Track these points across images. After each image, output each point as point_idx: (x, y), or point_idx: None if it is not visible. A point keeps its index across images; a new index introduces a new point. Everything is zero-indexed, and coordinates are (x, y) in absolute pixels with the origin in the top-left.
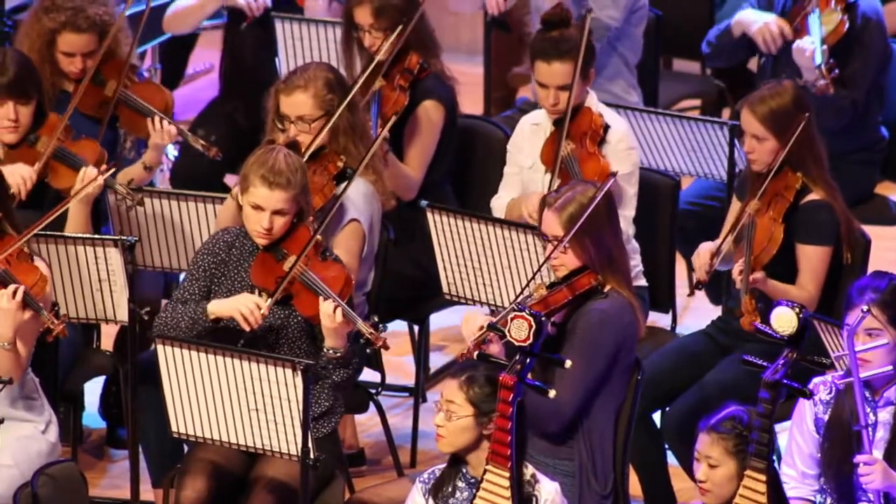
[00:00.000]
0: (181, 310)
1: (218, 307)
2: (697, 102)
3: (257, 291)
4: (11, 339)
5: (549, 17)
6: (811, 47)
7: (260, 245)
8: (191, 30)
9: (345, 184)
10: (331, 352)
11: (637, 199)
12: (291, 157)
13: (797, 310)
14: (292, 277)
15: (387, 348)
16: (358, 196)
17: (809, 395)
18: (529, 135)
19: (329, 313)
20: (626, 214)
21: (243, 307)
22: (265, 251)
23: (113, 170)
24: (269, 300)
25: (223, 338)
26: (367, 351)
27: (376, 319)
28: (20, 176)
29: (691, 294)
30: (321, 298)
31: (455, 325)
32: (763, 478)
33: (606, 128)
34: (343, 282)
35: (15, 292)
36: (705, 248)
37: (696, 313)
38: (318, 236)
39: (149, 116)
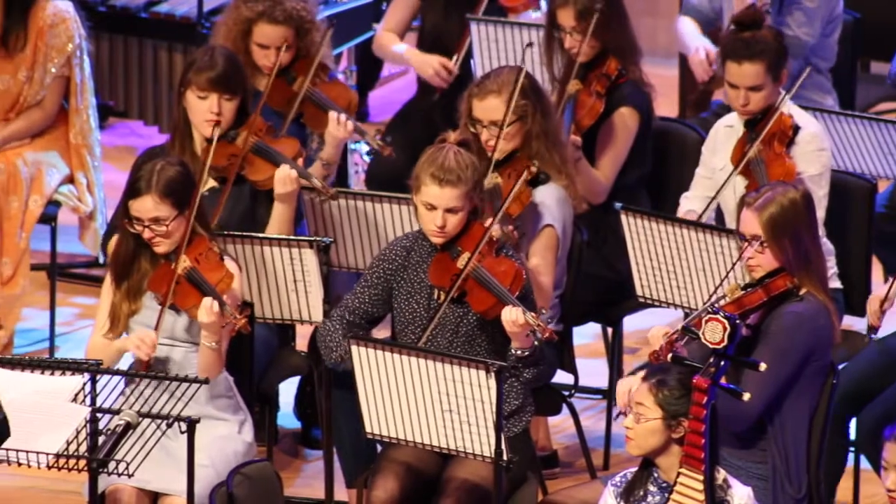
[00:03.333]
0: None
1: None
2: (895, 105)
3: (435, 291)
4: (219, 339)
5: (741, 18)
6: None
7: (436, 244)
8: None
9: (539, 188)
10: (518, 352)
11: (831, 202)
12: (462, 154)
13: None
14: (466, 274)
15: (554, 339)
16: (552, 201)
17: None
18: (723, 137)
19: (512, 319)
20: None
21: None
22: (442, 250)
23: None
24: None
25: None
26: (535, 343)
27: (544, 311)
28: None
29: (867, 339)
30: (505, 305)
31: (649, 328)
32: None
33: (796, 129)
34: (513, 276)
35: (211, 305)
36: (874, 296)
37: (893, 317)
38: (493, 232)
39: (330, 111)
